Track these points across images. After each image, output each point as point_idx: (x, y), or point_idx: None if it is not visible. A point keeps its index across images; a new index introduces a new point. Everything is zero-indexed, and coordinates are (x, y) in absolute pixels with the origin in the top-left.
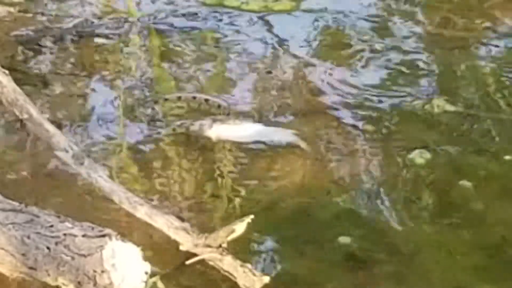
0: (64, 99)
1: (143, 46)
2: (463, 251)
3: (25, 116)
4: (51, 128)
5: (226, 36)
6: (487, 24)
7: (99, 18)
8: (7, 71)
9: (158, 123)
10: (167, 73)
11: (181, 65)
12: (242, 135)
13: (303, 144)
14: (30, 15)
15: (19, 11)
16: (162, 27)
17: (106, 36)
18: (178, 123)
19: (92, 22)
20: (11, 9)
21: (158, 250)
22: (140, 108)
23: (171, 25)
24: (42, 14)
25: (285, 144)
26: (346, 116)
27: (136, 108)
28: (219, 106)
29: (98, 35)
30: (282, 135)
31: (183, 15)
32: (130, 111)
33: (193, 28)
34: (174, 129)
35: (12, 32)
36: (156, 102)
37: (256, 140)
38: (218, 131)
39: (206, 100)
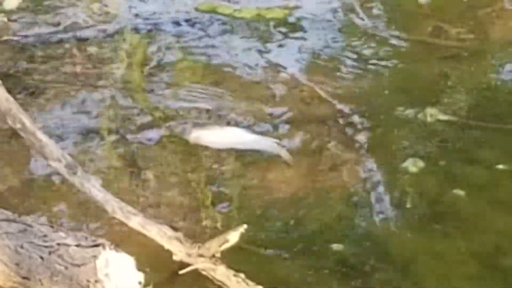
0: (56, 108)
1: (133, 50)
2: (457, 260)
3: (18, 125)
4: (44, 137)
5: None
6: (479, 33)
7: (88, 22)
8: (0, 80)
9: (148, 129)
10: (157, 80)
11: (172, 72)
12: (220, 141)
13: (283, 154)
14: (21, 23)
15: (10, 20)
16: (154, 32)
17: (96, 39)
18: (167, 125)
19: (80, 25)
20: (4, 18)
21: (152, 259)
22: (132, 116)
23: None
24: (34, 22)
25: (265, 153)
26: (339, 125)
27: (127, 115)
28: (207, 111)
29: (88, 39)
30: (262, 144)
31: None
32: (122, 119)
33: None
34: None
35: (4, 39)
36: (147, 108)
37: (233, 148)
38: (198, 135)
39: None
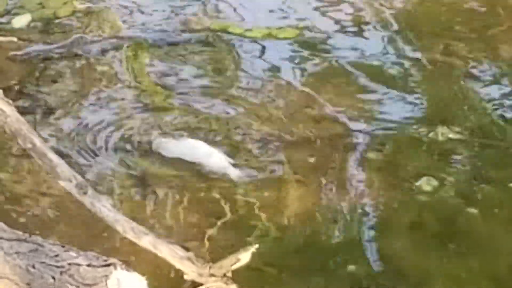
0: (66, 126)
1: (137, 64)
2: (471, 280)
3: (29, 146)
4: (54, 157)
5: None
6: (491, 52)
7: (98, 40)
8: (10, 101)
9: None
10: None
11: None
12: (172, 150)
13: (232, 173)
14: (31, 42)
15: (20, 39)
16: (166, 48)
17: (107, 56)
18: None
19: (90, 42)
20: (13, 39)
21: (163, 279)
22: (139, 135)
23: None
24: (44, 41)
25: (214, 170)
26: (351, 144)
27: (135, 135)
28: (218, 119)
29: (98, 56)
30: (214, 160)
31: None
32: (133, 136)
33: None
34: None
35: (12, 54)
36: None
37: (181, 159)
38: (158, 143)
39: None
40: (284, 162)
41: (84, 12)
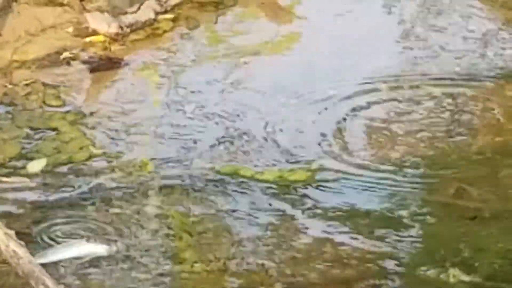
0: (80, 269)
1: (159, 214)
2: None
3: (41, 287)
4: None
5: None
6: (501, 194)
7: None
8: (23, 242)
9: None
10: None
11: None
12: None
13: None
14: (45, 186)
15: (34, 183)
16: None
17: (120, 199)
18: None
19: (105, 186)
20: (27, 180)
21: None
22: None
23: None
24: (58, 185)
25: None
26: (362, 287)
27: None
28: None
29: (112, 200)
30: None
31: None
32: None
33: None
34: None
35: (29, 200)
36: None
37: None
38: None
39: None
40: None
41: (101, 157)
